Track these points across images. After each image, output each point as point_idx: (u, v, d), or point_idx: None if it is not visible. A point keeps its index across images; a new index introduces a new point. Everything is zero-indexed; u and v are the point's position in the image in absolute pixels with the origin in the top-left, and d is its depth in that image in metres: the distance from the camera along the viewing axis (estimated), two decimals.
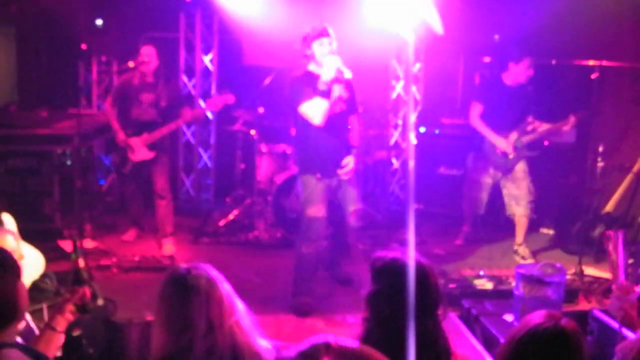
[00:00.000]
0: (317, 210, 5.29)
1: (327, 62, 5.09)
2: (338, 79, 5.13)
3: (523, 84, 6.58)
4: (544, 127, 6.60)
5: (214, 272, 2.48)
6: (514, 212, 6.73)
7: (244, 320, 2.45)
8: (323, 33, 5.19)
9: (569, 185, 8.09)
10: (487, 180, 6.81)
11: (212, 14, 8.56)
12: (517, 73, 6.53)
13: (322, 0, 7.97)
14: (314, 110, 5.12)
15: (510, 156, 6.58)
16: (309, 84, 5.15)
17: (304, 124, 5.24)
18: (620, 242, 3.43)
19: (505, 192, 6.76)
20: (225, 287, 2.46)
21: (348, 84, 5.40)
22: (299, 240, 5.45)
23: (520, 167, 6.64)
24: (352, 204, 5.54)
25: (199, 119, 7.16)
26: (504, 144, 6.56)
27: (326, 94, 5.09)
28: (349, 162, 5.41)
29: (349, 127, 5.57)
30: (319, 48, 5.20)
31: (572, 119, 6.42)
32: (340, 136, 5.41)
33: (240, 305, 2.48)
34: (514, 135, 6.56)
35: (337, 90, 5.27)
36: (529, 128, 6.60)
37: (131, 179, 6.77)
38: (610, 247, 3.45)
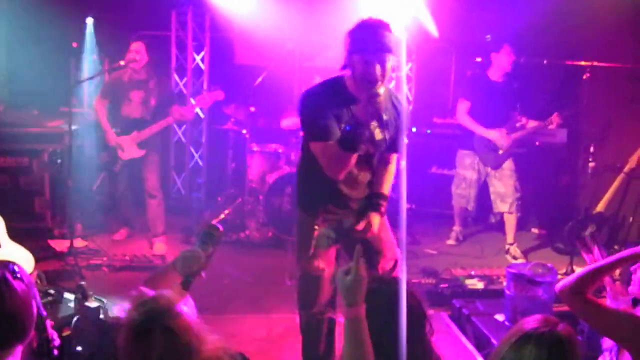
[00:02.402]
0: (311, 266, 3.80)
1: (365, 96, 3.46)
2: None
3: (509, 76, 6.62)
4: (532, 123, 6.65)
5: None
6: (500, 210, 6.77)
7: None
8: (368, 47, 3.41)
9: (560, 185, 8.13)
10: (474, 176, 6.83)
11: (203, 13, 8.54)
12: (500, 62, 6.58)
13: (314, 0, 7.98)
14: (328, 161, 3.56)
15: (501, 151, 6.61)
16: (334, 109, 3.47)
17: (309, 155, 3.68)
18: (596, 245, 3.44)
19: (491, 189, 6.79)
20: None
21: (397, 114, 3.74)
22: (297, 302, 4.05)
23: (508, 165, 6.67)
24: (387, 250, 3.94)
25: (189, 117, 7.13)
26: (496, 135, 6.58)
27: (351, 144, 3.46)
28: (373, 222, 3.77)
29: (378, 168, 3.85)
30: (361, 67, 3.44)
31: (556, 118, 6.47)
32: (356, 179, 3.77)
33: None
34: (503, 132, 6.59)
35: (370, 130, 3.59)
36: (518, 124, 6.64)
37: (122, 178, 6.75)
38: (588, 252, 3.45)
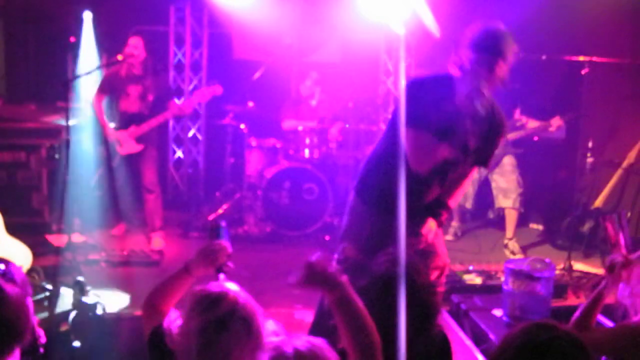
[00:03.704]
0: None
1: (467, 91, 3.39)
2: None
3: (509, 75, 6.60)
4: (532, 123, 6.62)
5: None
6: (502, 206, 6.76)
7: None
8: (481, 46, 3.37)
9: (559, 181, 8.12)
10: (474, 175, 6.80)
11: (202, 8, 8.53)
12: None
13: None
14: (417, 151, 3.44)
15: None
16: (439, 102, 3.41)
17: (390, 142, 3.52)
18: (621, 223, 3.40)
19: (493, 185, 6.78)
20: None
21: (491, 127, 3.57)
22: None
23: (509, 161, 6.65)
24: (438, 257, 3.77)
25: (187, 112, 7.12)
26: None
27: (447, 133, 3.40)
28: (428, 229, 3.58)
29: (454, 180, 3.68)
30: (469, 65, 3.39)
31: (558, 121, 6.45)
32: (426, 185, 3.58)
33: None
34: None
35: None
36: (518, 124, 6.62)
37: (120, 173, 6.73)
38: (610, 229, 3.40)
